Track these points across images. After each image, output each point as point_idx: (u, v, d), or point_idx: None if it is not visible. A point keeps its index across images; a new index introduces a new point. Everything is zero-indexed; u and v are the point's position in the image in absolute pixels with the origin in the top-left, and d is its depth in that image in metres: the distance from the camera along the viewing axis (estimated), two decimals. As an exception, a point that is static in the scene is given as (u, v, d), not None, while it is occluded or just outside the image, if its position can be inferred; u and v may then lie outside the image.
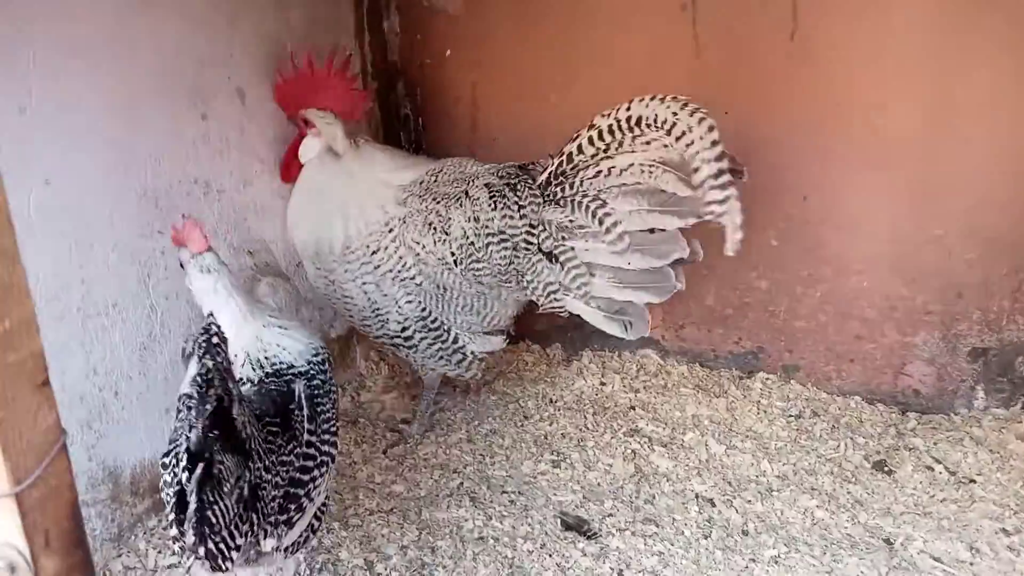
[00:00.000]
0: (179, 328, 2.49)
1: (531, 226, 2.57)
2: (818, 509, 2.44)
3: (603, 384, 3.19)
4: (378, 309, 2.69)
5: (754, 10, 2.77)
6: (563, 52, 3.09)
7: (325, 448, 1.78)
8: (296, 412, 1.74)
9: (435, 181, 2.66)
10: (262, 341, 1.82)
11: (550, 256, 2.57)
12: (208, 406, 1.30)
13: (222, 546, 1.39)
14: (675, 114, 2.33)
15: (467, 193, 2.60)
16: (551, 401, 3.11)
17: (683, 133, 2.32)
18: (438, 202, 2.61)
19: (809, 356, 3.06)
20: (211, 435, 1.31)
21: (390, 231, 2.62)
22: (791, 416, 2.92)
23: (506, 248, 2.57)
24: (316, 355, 1.88)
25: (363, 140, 2.76)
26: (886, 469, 2.62)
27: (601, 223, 2.46)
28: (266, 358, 1.80)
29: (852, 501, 2.48)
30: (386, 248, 2.62)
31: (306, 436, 1.72)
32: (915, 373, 2.91)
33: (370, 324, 2.74)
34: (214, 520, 1.34)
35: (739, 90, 2.86)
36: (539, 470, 2.67)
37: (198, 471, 1.27)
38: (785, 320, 3.06)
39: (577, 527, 2.41)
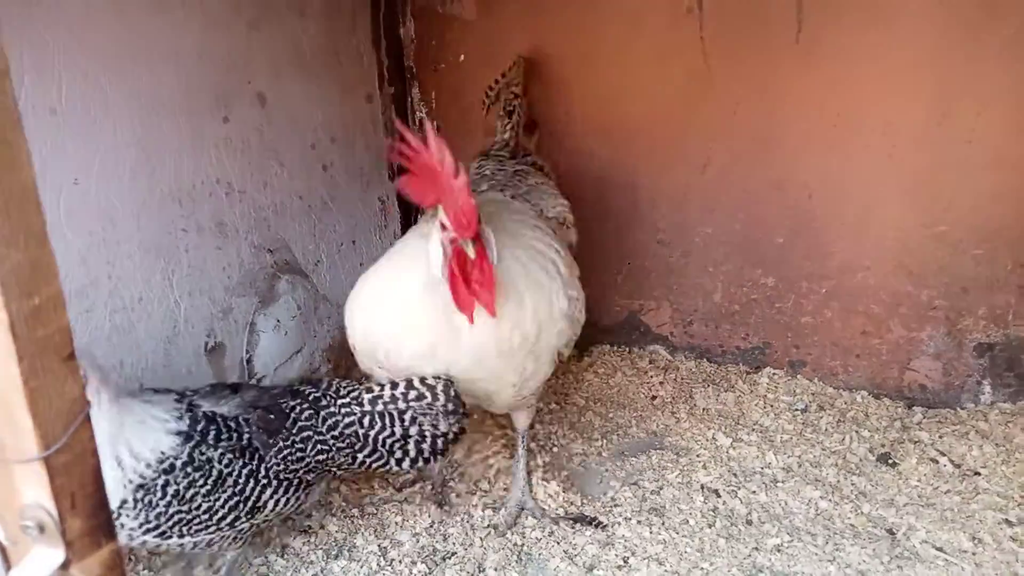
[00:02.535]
0: (202, 323, 2.60)
1: None
2: (822, 500, 2.48)
3: (613, 379, 3.25)
4: None
5: (759, 13, 2.81)
6: (574, 56, 3.15)
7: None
8: None
9: None
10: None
11: None
12: None
13: None
14: None
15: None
16: (563, 395, 3.17)
17: None
18: None
19: (815, 351, 3.09)
20: None
21: None
22: (797, 410, 2.96)
23: None
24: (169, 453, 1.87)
25: None
26: (890, 462, 2.65)
27: None
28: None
29: (856, 492, 2.52)
30: None
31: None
32: (921, 368, 2.93)
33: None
34: None
35: (745, 90, 2.91)
36: (548, 461, 2.73)
37: None
38: (791, 316, 3.10)
39: (581, 519, 2.47)
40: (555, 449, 2.80)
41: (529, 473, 2.60)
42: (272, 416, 2.02)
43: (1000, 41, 2.55)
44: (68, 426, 0.85)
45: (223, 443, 1.91)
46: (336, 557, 2.35)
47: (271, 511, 2.03)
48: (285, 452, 2.02)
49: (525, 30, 3.20)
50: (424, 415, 2.15)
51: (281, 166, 2.85)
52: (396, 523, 2.48)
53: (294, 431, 2.04)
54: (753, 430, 2.85)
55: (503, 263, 2.04)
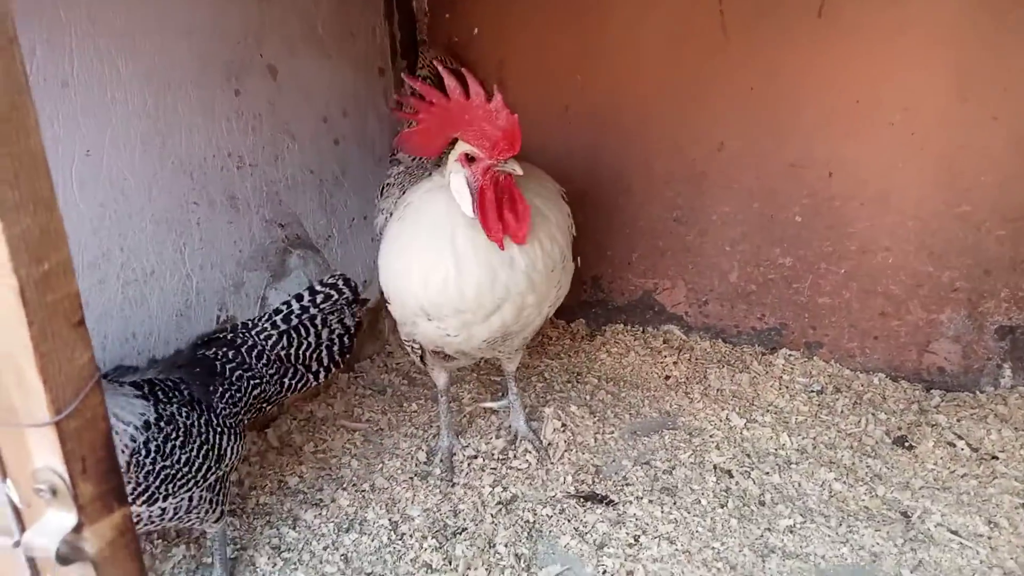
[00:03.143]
0: (214, 296, 2.59)
1: None
2: (836, 482, 2.46)
3: (626, 358, 3.23)
4: None
5: (782, -16, 2.75)
6: (590, 31, 3.10)
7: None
8: None
9: None
10: None
11: None
12: None
13: None
14: None
15: None
16: (575, 374, 3.16)
17: None
18: None
19: (833, 333, 3.06)
20: None
21: None
22: (813, 392, 2.93)
23: None
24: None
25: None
26: (907, 444, 2.62)
27: None
28: None
29: (871, 475, 2.49)
30: None
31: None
32: (940, 351, 2.89)
33: None
34: None
35: (765, 67, 2.86)
36: (560, 440, 2.73)
37: None
38: (809, 297, 3.06)
39: (592, 497, 2.46)
40: (567, 428, 2.79)
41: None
42: (197, 369, 2.12)
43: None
44: (79, 392, 0.85)
45: (175, 399, 1.98)
46: (347, 530, 2.36)
47: (230, 459, 2.10)
48: (227, 395, 2.12)
49: (541, 3, 3.15)
50: (331, 314, 2.38)
51: (293, 140, 2.83)
52: (407, 498, 2.49)
53: (226, 374, 2.15)
54: (768, 411, 2.83)
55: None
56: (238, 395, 2.16)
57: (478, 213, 2.04)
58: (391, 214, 2.46)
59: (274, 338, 2.29)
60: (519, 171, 1.99)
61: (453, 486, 2.54)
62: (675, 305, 3.34)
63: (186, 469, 1.93)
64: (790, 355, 3.13)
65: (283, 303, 2.36)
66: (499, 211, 2.05)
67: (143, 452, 1.83)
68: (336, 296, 2.39)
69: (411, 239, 2.17)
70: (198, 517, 2.02)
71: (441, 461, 2.65)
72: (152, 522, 1.93)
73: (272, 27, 2.67)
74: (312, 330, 2.35)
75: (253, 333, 2.27)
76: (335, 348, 2.42)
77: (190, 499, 1.97)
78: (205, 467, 1.98)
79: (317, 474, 2.61)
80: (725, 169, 3.05)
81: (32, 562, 0.92)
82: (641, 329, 3.41)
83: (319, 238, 3.00)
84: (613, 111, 3.17)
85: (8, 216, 0.73)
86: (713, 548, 2.22)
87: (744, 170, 3.02)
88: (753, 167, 3.00)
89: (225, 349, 2.21)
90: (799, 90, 2.84)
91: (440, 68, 2.04)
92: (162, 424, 1.89)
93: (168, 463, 1.88)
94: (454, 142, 2.08)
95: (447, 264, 2.08)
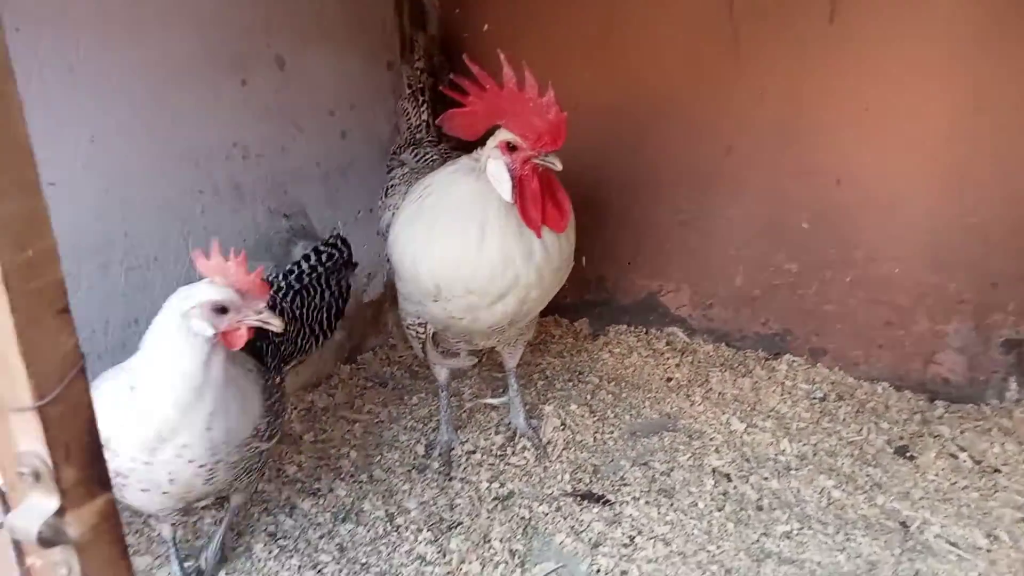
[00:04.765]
0: (216, 286, 2.59)
1: None
2: (835, 489, 2.44)
3: (628, 359, 3.22)
4: None
5: (794, -10, 2.73)
6: (600, 30, 3.09)
7: None
8: None
9: None
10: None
11: None
12: None
13: None
14: None
15: None
16: (576, 373, 3.15)
17: None
18: None
19: (837, 340, 3.03)
20: None
21: None
22: (815, 399, 2.91)
23: None
24: None
25: None
26: (908, 455, 2.60)
27: None
28: None
29: (871, 484, 2.47)
30: None
31: None
32: (945, 362, 2.86)
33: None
34: None
35: (775, 72, 2.84)
36: (559, 438, 2.72)
37: None
38: (814, 303, 3.04)
39: (589, 496, 2.46)
40: (566, 426, 2.78)
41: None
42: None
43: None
44: (63, 378, 0.85)
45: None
46: (344, 520, 2.36)
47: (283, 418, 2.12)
48: (273, 353, 2.13)
49: (551, 2, 3.14)
50: (332, 273, 2.42)
51: (299, 131, 2.83)
52: (404, 490, 2.49)
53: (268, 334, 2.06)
54: (769, 416, 2.81)
55: None
56: (278, 353, 2.16)
57: (517, 201, 2.08)
58: (398, 209, 2.46)
59: (291, 296, 2.29)
60: (558, 166, 2.05)
61: (450, 480, 2.54)
62: (679, 307, 3.33)
63: (278, 422, 1.98)
64: (794, 361, 3.11)
65: (293, 263, 2.39)
66: (542, 201, 2.10)
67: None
68: (337, 255, 2.44)
69: (436, 216, 2.19)
70: (249, 479, 2.00)
71: (440, 455, 2.65)
72: (214, 482, 1.81)
73: (281, 18, 2.67)
74: (319, 289, 2.38)
75: (273, 292, 2.24)
76: (333, 312, 2.43)
77: (260, 454, 1.96)
78: (278, 422, 2.01)
79: (316, 463, 2.62)
80: (733, 173, 3.03)
81: (16, 544, 0.93)
82: (644, 330, 3.39)
83: (324, 230, 3.00)
84: (623, 111, 3.15)
85: (-9, 202, 0.73)
86: (708, 551, 2.21)
87: (752, 174, 3.00)
88: (761, 171, 2.98)
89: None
90: (809, 95, 2.82)
91: (502, 57, 2.06)
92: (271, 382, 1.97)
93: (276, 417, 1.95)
94: (493, 130, 2.13)
95: (470, 242, 2.11)
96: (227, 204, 2.59)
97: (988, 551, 2.20)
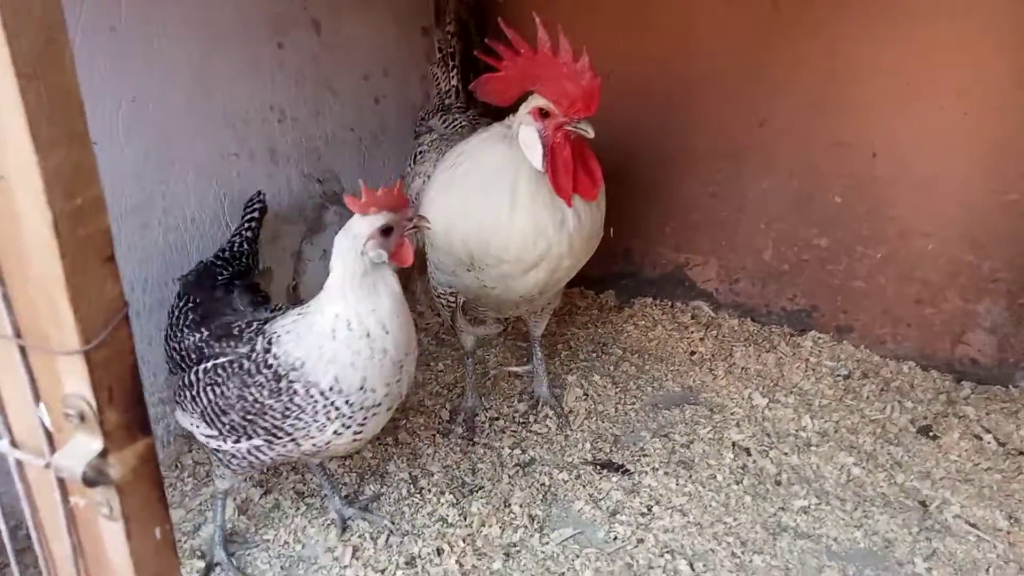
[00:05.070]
0: (250, 247, 2.65)
1: None
2: (855, 467, 2.45)
3: (652, 332, 3.23)
4: None
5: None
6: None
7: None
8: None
9: None
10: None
11: None
12: None
13: None
14: None
15: None
16: (600, 344, 3.17)
17: None
18: None
19: (864, 318, 3.01)
20: None
21: None
22: (840, 376, 2.90)
23: None
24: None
25: None
26: (931, 434, 2.59)
27: None
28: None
29: (891, 462, 2.47)
30: None
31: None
32: (975, 342, 2.83)
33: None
34: None
35: (815, 42, 2.79)
36: (581, 407, 2.75)
37: None
38: (843, 280, 3.01)
39: (608, 465, 2.49)
40: (588, 396, 2.81)
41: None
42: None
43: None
44: (108, 323, 0.89)
45: None
46: (369, 481, 2.43)
47: None
48: None
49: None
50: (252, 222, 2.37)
51: (334, 96, 2.85)
52: (428, 454, 2.55)
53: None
54: (791, 392, 2.81)
55: None
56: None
57: (548, 169, 2.07)
58: (428, 176, 2.47)
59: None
60: (591, 133, 2.01)
61: (473, 445, 2.59)
62: (706, 281, 3.32)
63: None
64: (819, 338, 3.09)
65: (238, 229, 2.34)
66: (573, 169, 2.08)
67: None
68: (259, 206, 2.41)
69: (468, 185, 2.18)
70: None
71: (464, 421, 2.69)
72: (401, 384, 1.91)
73: (317, -19, 2.68)
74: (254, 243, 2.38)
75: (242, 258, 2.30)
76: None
77: None
78: None
79: (342, 425, 2.68)
80: (766, 145, 3.00)
81: (61, 482, 0.98)
82: (670, 303, 3.39)
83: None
84: (656, 80, 3.12)
85: (43, 150, 0.76)
86: (725, 523, 2.24)
87: (785, 147, 2.96)
88: (795, 144, 2.94)
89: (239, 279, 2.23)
90: (848, 67, 2.76)
91: (537, 21, 2.03)
92: None
93: None
94: (526, 96, 2.11)
95: (503, 211, 2.11)
96: (262, 168, 2.64)
97: (1008, 533, 2.20)
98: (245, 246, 2.30)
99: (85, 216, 0.82)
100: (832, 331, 3.08)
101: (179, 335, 2.02)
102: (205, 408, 1.88)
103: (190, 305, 2.07)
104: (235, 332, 1.89)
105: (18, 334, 0.89)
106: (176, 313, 2.09)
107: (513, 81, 2.09)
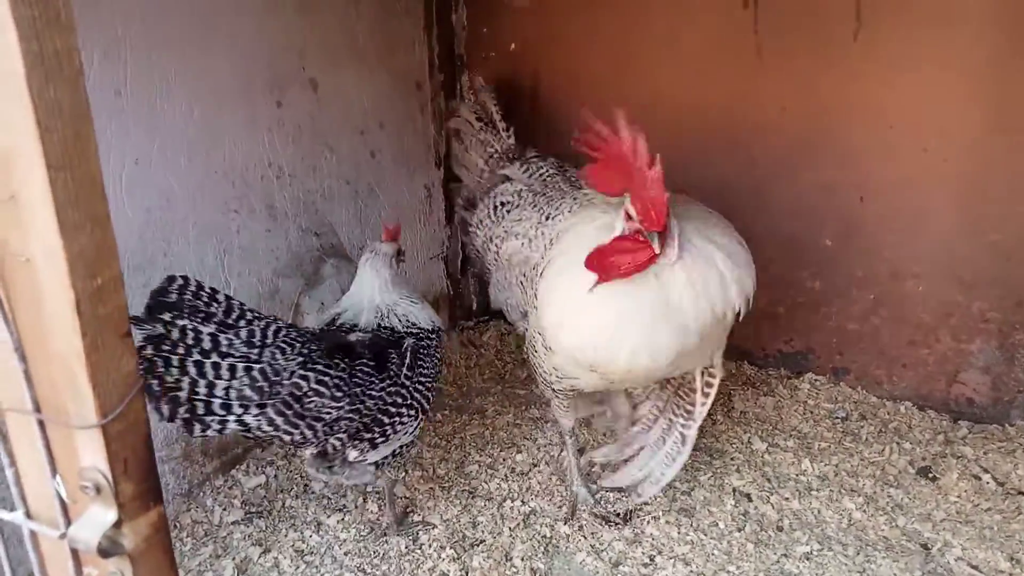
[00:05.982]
0: (249, 303, 2.65)
1: None
2: (856, 510, 2.45)
3: (650, 376, 3.24)
4: None
5: (817, 10, 2.75)
6: (625, 48, 3.14)
7: (417, 396, 2.21)
8: (395, 358, 2.18)
9: None
10: (396, 305, 2.36)
11: None
12: None
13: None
14: None
15: None
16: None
17: None
18: None
19: (860, 359, 3.04)
20: None
21: None
22: (838, 418, 2.91)
23: None
24: (432, 327, 2.37)
25: None
26: (931, 475, 2.60)
27: None
28: (394, 315, 2.33)
29: (892, 505, 2.48)
30: None
31: (402, 379, 2.17)
32: (969, 381, 2.86)
33: None
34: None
35: (798, 88, 2.86)
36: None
37: None
38: (837, 322, 3.05)
39: (610, 515, 2.48)
40: (585, 445, 2.81)
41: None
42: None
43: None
44: (124, 397, 0.91)
45: None
46: (367, 538, 2.41)
47: None
48: None
49: (578, 20, 3.19)
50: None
51: (330, 151, 2.91)
52: (428, 507, 2.53)
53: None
54: (791, 436, 2.82)
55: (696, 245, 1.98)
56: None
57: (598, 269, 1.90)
58: (530, 240, 2.35)
59: None
60: (657, 250, 1.86)
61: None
62: (701, 325, 3.34)
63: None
64: (816, 380, 3.12)
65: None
66: (616, 262, 1.91)
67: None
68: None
69: (582, 281, 1.94)
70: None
71: (574, 510, 2.50)
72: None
73: (315, 40, 2.75)
74: None
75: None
76: None
77: None
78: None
79: (342, 478, 2.67)
80: (755, 188, 3.06)
81: (75, 553, 0.99)
82: (666, 347, 3.41)
83: (353, 248, 3.06)
84: (644, 126, 3.18)
85: (69, 235, 0.79)
86: (728, 572, 2.23)
87: (774, 191, 3.02)
88: (783, 188, 3.00)
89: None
90: (832, 112, 2.84)
91: (618, 113, 1.90)
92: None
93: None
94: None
95: (611, 319, 1.93)
96: (261, 223, 2.67)
97: (1010, 574, 2.20)
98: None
99: (105, 295, 0.85)
100: (829, 373, 3.11)
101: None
102: None
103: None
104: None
105: (37, 409, 0.90)
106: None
107: (609, 172, 1.93)
